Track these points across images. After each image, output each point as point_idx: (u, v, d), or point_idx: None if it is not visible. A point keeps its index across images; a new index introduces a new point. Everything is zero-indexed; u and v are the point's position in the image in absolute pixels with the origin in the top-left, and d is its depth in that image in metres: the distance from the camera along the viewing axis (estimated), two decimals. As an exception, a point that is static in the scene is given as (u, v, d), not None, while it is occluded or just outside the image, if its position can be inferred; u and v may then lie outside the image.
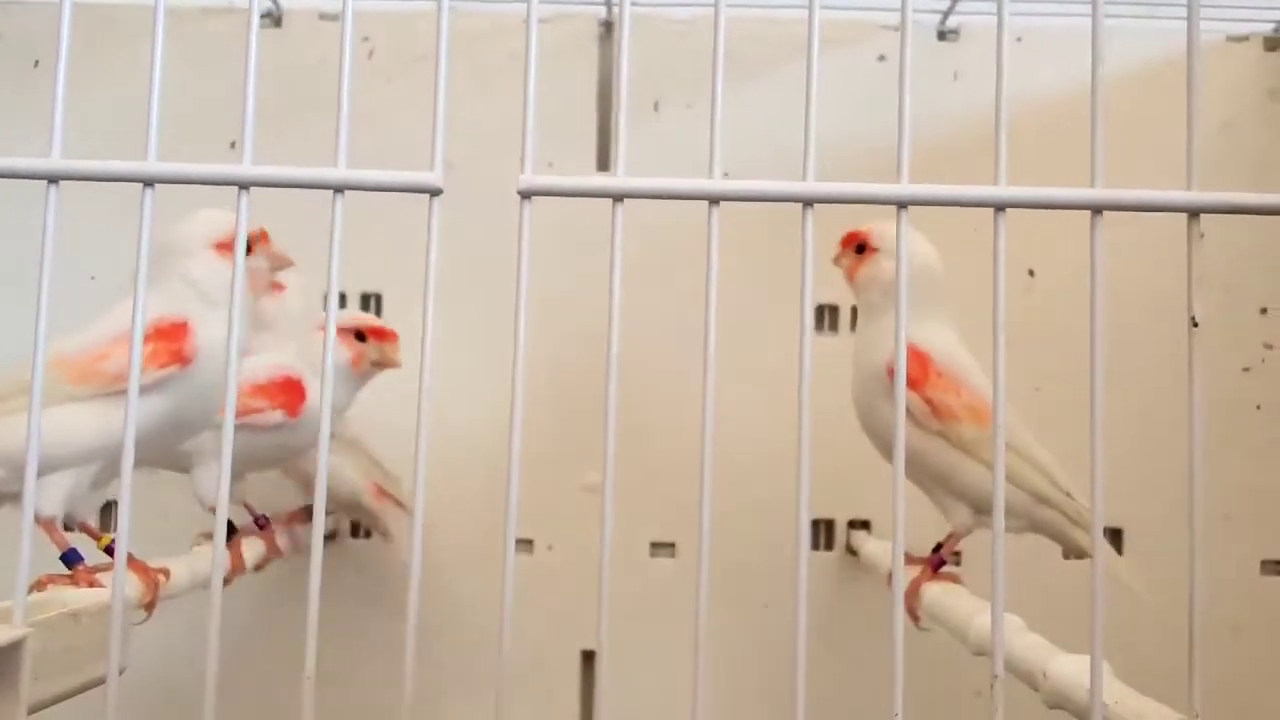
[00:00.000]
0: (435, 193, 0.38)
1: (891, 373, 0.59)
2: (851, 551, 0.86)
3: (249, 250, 0.65)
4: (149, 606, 0.58)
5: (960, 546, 0.67)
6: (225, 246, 0.59)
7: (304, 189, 0.39)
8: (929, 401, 0.62)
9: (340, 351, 0.71)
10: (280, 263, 0.67)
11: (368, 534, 0.87)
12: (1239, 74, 0.89)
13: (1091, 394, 0.38)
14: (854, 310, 0.87)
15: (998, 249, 0.38)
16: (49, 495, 0.54)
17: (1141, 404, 0.78)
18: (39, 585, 0.53)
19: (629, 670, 0.84)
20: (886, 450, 0.66)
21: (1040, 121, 0.86)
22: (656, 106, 0.89)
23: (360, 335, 0.73)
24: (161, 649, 0.69)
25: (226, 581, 0.64)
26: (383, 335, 0.73)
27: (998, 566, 0.35)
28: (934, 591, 0.62)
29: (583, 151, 0.88)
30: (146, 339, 0.54)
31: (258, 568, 0.74)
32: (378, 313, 0.88)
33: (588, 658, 0.86)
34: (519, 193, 0.38)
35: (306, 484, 0.78)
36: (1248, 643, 0.82)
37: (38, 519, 0.52)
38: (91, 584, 0.54)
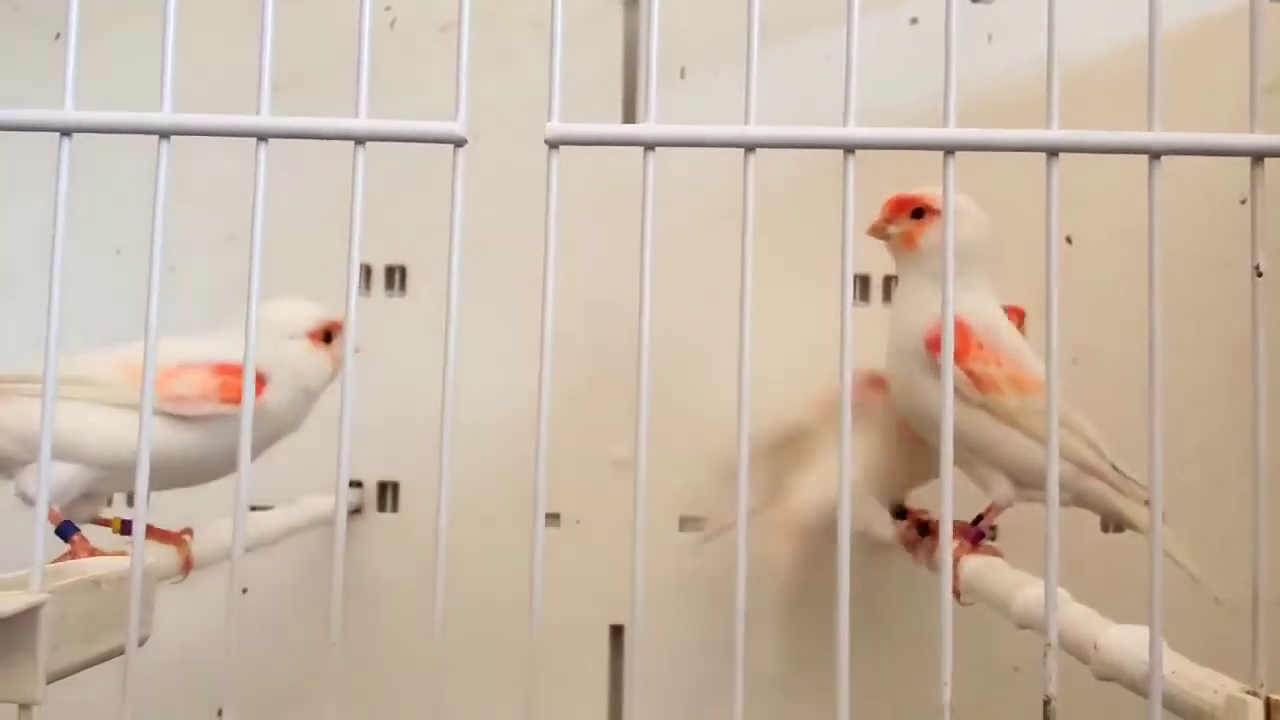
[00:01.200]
0: (460, 143, 0.37)
1: (931, 344, 0.60)
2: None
3: (329, 338, 0.67)
4: (186, 566, 0.61)
5: (998, 520, 0.66)
6: (315, 335, 0.66)
7: (324, 140, 0.37)
8: (970, 374, 0.60)
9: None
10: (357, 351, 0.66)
11: (394, 508, 0.86)
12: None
13: (1150, 356, 0.36)
14: (885, 280, 0.86)
15: (1051, 197, 0.36)
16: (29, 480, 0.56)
17: (1182, 369, 0.76)
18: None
19: (658, 645, 0.83)
20: (924, 425, 0.64)
21: (1078, 78, 0.83)
22: (682, 73, 0.87)
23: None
24: (188, 620, 0.69)
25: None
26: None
27: (1052, 536, 0.34)
28: (974, 565, 0.61)
29: (609, 118, 0.87)
30: (218, 372, 0.59)
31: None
32: (401, 286, 0.87)
33: (616, 632, 0.85)
34: (547, 142, 0.36)
35: None
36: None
37: (29, 501, 0.54)
38: (92, 553, 0.54)
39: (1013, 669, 0.82)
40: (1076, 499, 0.63)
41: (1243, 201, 0.87)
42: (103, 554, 0.55)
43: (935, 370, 0.60)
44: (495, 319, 0.83)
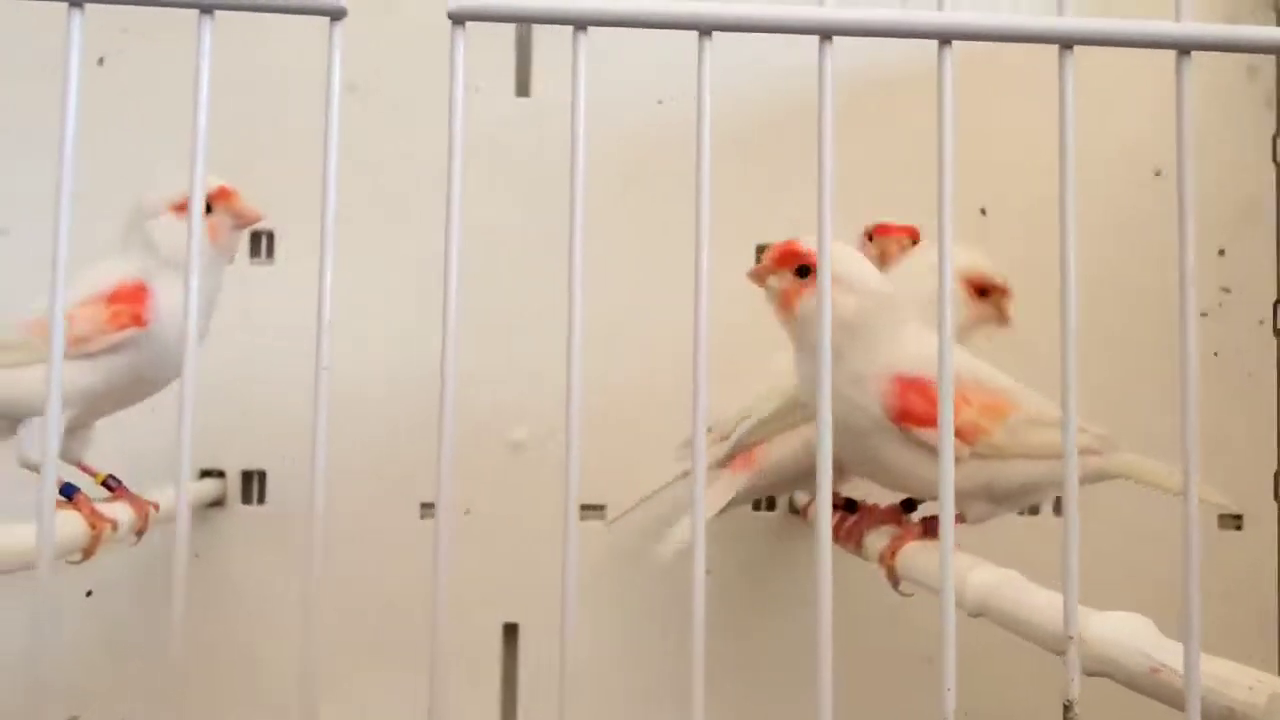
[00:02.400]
0: (337, 15, 0.29)
1: (901, 418, 0.51)
2: (795, 511, 0.79)
3: (208, 209, 0.60)
4: (139, 531, 0.61)
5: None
6: (184, 208, 0.59)
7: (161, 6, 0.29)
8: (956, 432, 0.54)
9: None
10: (246, 218, 0.62)
11: (261, 499, 0.77)
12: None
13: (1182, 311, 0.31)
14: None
15: (1065, 93, 0.31)
16: (32, 444, 0.57)
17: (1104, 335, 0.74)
18: None
19: (555, 643, 0.76)
20: (902, 486, 0.58)
21: None
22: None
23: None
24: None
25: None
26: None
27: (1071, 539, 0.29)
28: (910, 548, 0.55)
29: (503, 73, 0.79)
30: (107, 301, 0.58)
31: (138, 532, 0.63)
32: (269, 252, 0.78)
33: (510, 631, 0.78)
34: (450, 15, 0.29)
35: None
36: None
37: (27, 465, 0.57)
38: (94, 513, 0.57)
39: (925, 660, 0.78)
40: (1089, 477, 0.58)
41: (1157, 173, 0.87)
42: (105, 515, 0.57)
43: (906, 440, 0.53)
44: (371, 286, 0.75)
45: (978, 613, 0.44)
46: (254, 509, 0.77)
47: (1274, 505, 0.83)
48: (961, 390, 0.52)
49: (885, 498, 0.66)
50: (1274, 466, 0.83)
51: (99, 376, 0.58)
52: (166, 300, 0.59)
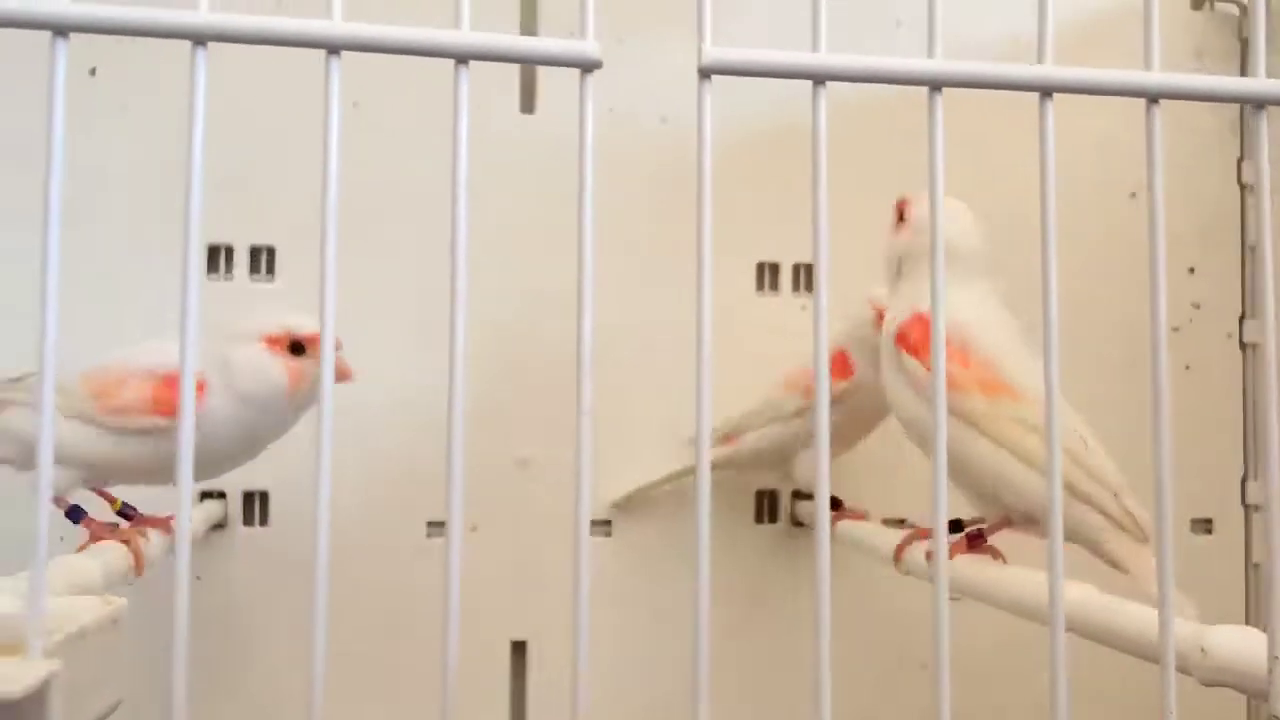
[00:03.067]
0: (591, 67, 0.31)
1: (899, 340, 0.57)
2: (797, 523, 0.81)
3: (303, 350, 0.59)
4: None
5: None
6: (276, 342, 0.59)
7: (416, 56, 0.31)
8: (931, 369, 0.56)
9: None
10: (340, 374, 0.58)
11: (263, 521, 0.76)
12: (1165, 34, 0.89)
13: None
14: (795, 269, 0.83)
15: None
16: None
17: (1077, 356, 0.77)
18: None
19: (563, 659, 0.77)
20: (899, 417, 0.61)
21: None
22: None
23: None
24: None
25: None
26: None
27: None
28: (963, 563, 0.56)
29: (509, 90, 0.80)
30: (161, 383, 0.57)
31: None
32: (269, 268, 0.77)
33: (518, 648, 0.78)
34: (700, 70, 0.31)
35: None
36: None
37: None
38: (105, 531, 0.57)
39: (920, 666, 0.80)
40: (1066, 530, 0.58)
41: (1132, 195, 0.90)
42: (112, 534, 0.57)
43: (901, 365, 0.58)
44: (375, 303, 0.75)
45: (1073, 628, 0.46)
46: (256, 530, 0.76)
47: (1241, 510, 0.87)
48: (966, 353, 0.56)
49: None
50: (1241, 473, 0.87)
51: (123, 450, 0.57)
52: (217, 412, 0.58)
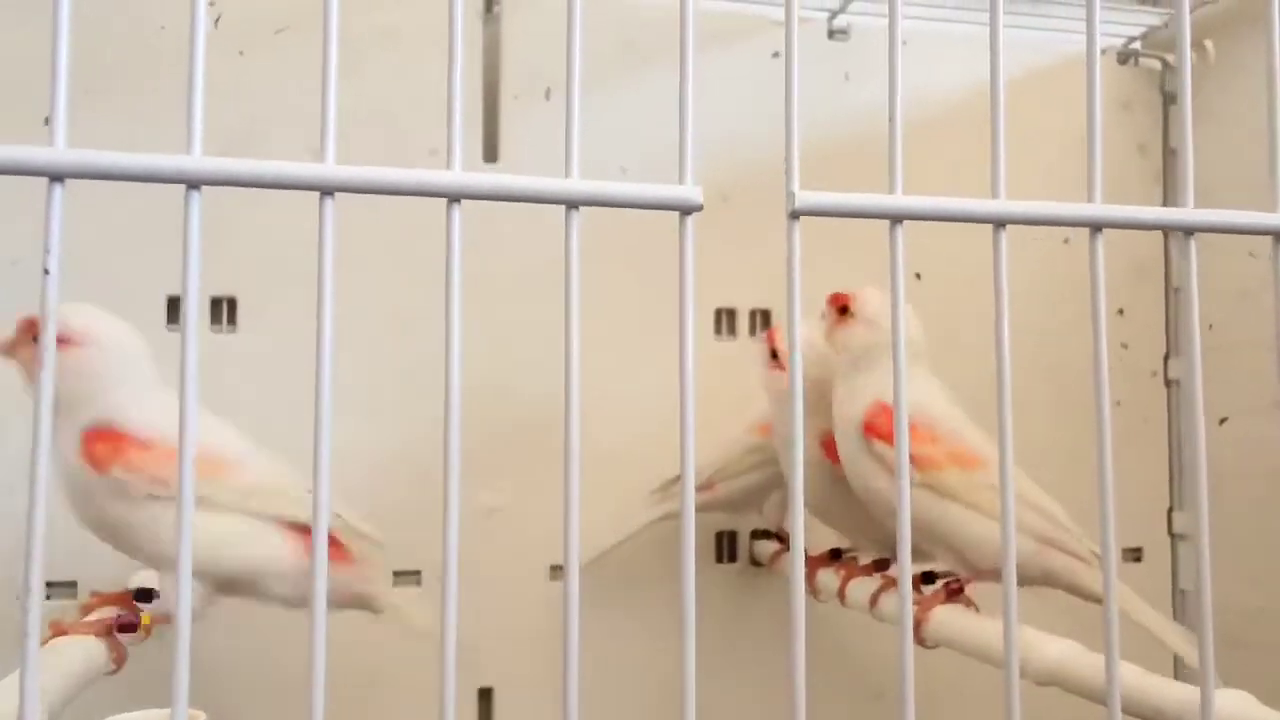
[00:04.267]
0: (690, 210, 0.33)
1: (867, 429, 0.61)
2: (755, 563, 0.84)
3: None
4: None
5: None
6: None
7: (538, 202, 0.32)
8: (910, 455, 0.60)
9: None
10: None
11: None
12: (1101, 87, 0.93)
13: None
14: (752, 314, 0.86)
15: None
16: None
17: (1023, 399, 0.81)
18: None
19: (529, 705, 0.79)
20: (872, 505, 0.64)
21: (933, 128, 0.87)
22: (548, 95, 0.83)
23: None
24: None
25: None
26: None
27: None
28: (942, 615, 0.59)
29: (468, 140, 0.81)
30: None
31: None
32: (230, 319, 0.77)
33: (484, 696, 0.80)
34: (790, 213, 0.33)
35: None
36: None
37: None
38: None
39: (876, 696, 0.84)
40: (1045, 576, 0.62)
41: (1065, 241, 0.95)
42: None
43: (873, 453, 0.61)
44: (340, 354, 0.76)
45: (1048, 682, 0.49)
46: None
47: (1168, 539, 0.93)
48: (933, 431, 0.60)
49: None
50: (1168, 504, 0.93)
51: None
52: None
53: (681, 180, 0.34)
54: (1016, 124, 0.83)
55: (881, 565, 0.71)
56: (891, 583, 0.65)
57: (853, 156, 0.65)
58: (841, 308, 0.67)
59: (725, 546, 0.84)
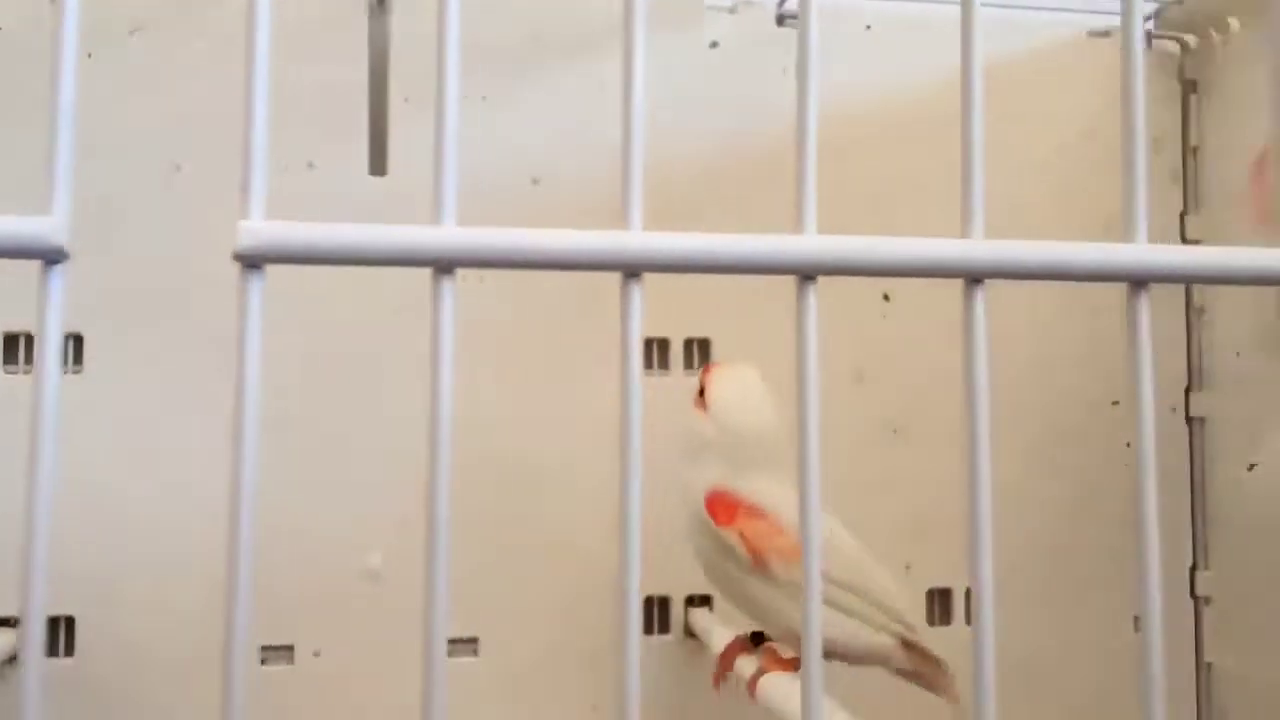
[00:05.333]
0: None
1: (709, 506, 0.57)
2: (690, 634, 0.72)
3: None
4: None
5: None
6: None
7: None
8: (742, 536, 0.57)
9: None
10: None
11: (69, 651, 0.66)
12: (1103, 73, 0.81)
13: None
14: (686, 344, 0.74)
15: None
16: None
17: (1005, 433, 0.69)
18: None
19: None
20: (713, 582, 0.61)
21: (891, 116, 0.75)
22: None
23: None
24: None
25: None
26: None
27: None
28: (772, 681, 0.56)
29: (354, 138, 0.70)
30: None
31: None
32: (76, 358, 0.68)
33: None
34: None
35: None
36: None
37: None
38: None
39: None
40: (865, 654, 0.59)
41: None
42: None
43: (711, 532, 0.59)
44: (181, 397, 0.66)
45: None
46: (60, 662, 0.66)
47: (1190, 603, 0.79)
48: (781, 523, 0.58)
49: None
50: (1189, 561, 0.79)
51: None
52: None
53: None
54: (998, 121, 0.70)
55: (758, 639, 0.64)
56: (734, 653, 0.62)
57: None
58: (701, 389, 0.61)
59: (655, 613, 0.72)
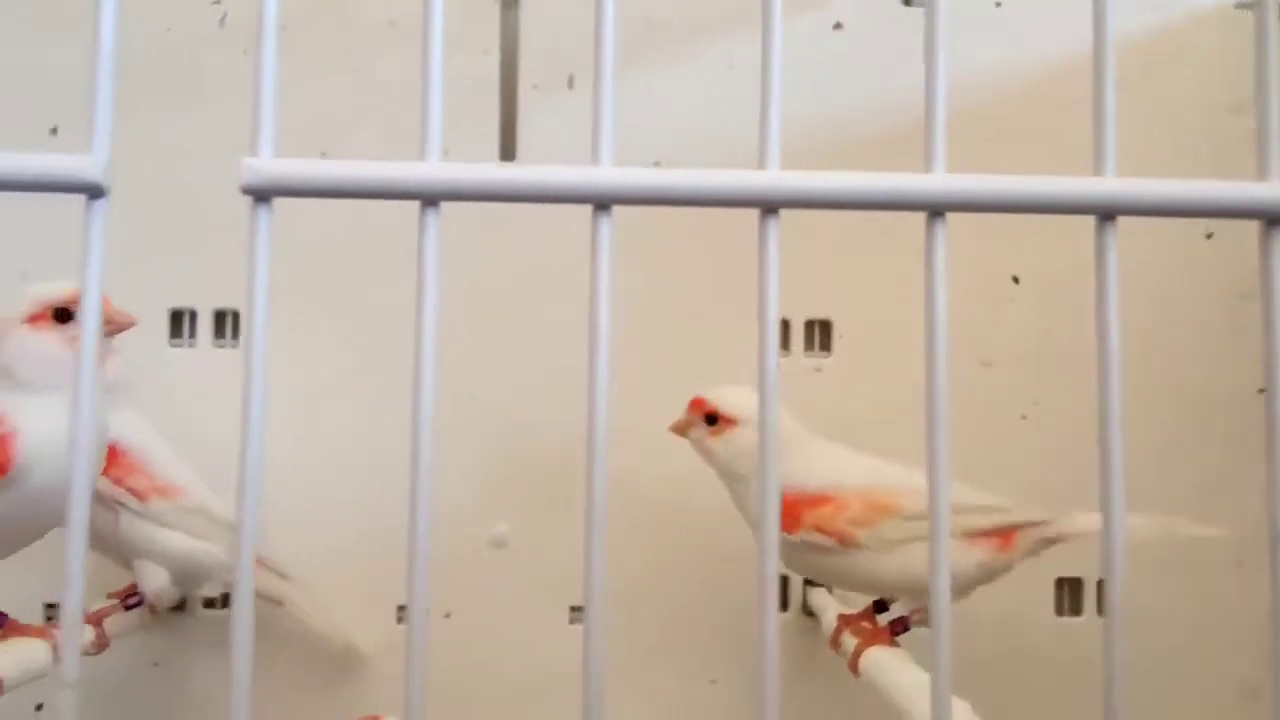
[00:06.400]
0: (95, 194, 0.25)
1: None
2: (808, 613, 0.72)
3: (68, 317, 0.53)
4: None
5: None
6: (40, 318, 0.54)
7: None
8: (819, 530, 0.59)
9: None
10: (119, 324, 0.54)
11: (225, 603, 0.72)
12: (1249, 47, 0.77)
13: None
14: (807, 325, 0.74)
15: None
16: None
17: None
18: None
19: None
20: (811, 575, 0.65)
21: (1026, 98, 0.73)
22: (571, 83, 0.74)
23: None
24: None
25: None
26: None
27: None
28: (875, 655, 0.57)
29: (485, 133, 0.74)
30: None
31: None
32: (233, 333, 0.73)
33: (498, 739, 0.72)
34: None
35: (128, 560, 0.62)
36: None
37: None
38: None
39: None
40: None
41: (1208, 235, 0.79)
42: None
43: (786, 541, 0.59)
44: (334, 368, 0.71)
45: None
46: (218, 614, 0.72)
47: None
48: (841, 496, 0.59)
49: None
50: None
51: None
52: (37, 435, 0.51)
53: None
54: (1135, 99, 0.68)
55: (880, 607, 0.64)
56: (853, 622, 0.62)
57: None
58: (709, 416, 0.62)
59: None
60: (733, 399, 0.61)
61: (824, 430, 0.62)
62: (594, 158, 0.29)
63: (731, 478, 0.62)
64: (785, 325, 0.74)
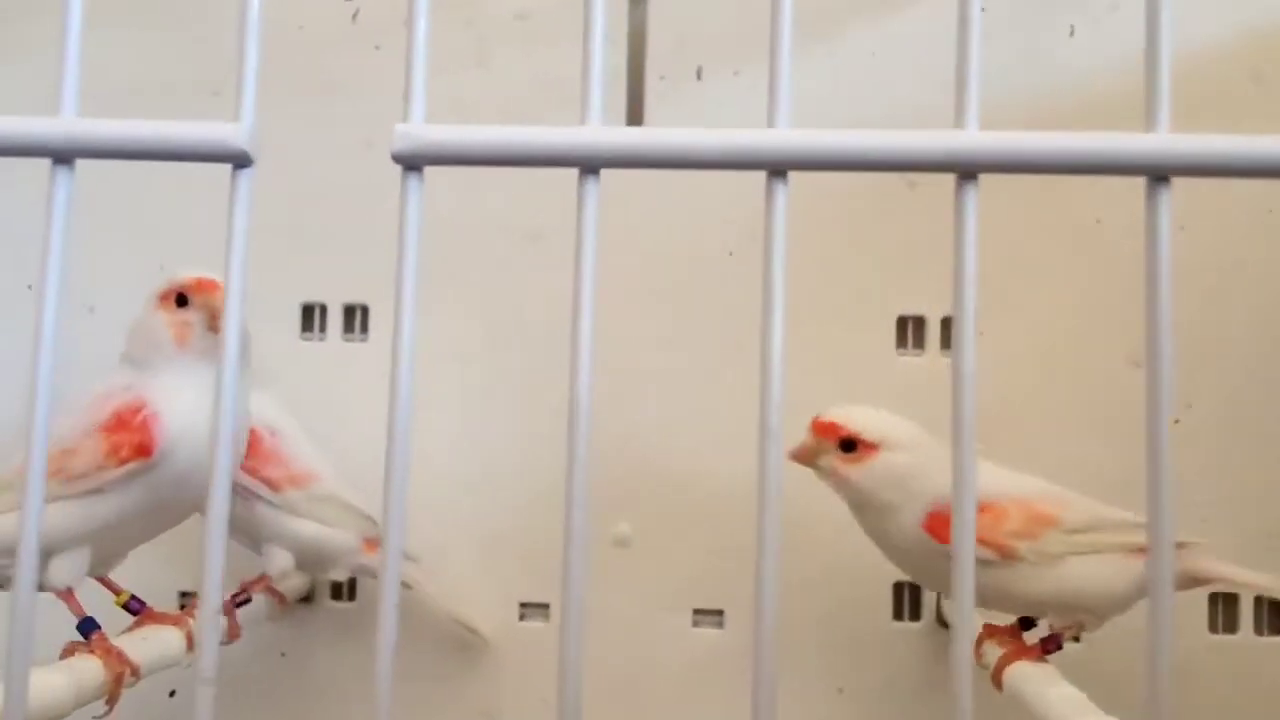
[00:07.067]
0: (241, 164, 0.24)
1: (933, 534, 0.53)
2: (943, 623, 0.69)
3: (184, 302, 0.53)
4: (111, 700, 0.51)
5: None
6: (166, 299, 0.55)
7: None
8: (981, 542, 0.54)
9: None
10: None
11: (351, 595, 0.72)
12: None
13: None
14: (943, 322, 0.71)
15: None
16: (56, 571, 0.52)
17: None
18: (66, 652, 0.51)
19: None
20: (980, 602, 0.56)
21: (1188, 76, 0.69)
22: (699, 74, 0.73)
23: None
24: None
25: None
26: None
27: None
28: (1020, 670, 0.54)
29: (613, 120, 0.72)
30: (106, 429, 0.51)
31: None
32: (363, 328, 0.73)
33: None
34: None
35: (258, 544, 0.63)
36: None
37: (55, 591, 0.52)
38: (107, 652, 0.51)
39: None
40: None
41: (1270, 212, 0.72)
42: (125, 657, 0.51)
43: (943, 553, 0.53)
44: (463, 362, 0.70)
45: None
46: (344, 606, 0.72)
47: None
48: (999, 505, 0.55)
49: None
50: None
51: (108, 511, 0.51)
52: (179, 417, 0.52)
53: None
54: None
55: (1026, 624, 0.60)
56: (997, 635, 0.58)
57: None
58: (845, 442, 0.55)
59: (906, 601, 0.70)
60: (869, 421, 0.55)
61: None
62: (769, 121, 0.28)
63: (872, 507, 0.56)
64: (921, 322, 0.71)
